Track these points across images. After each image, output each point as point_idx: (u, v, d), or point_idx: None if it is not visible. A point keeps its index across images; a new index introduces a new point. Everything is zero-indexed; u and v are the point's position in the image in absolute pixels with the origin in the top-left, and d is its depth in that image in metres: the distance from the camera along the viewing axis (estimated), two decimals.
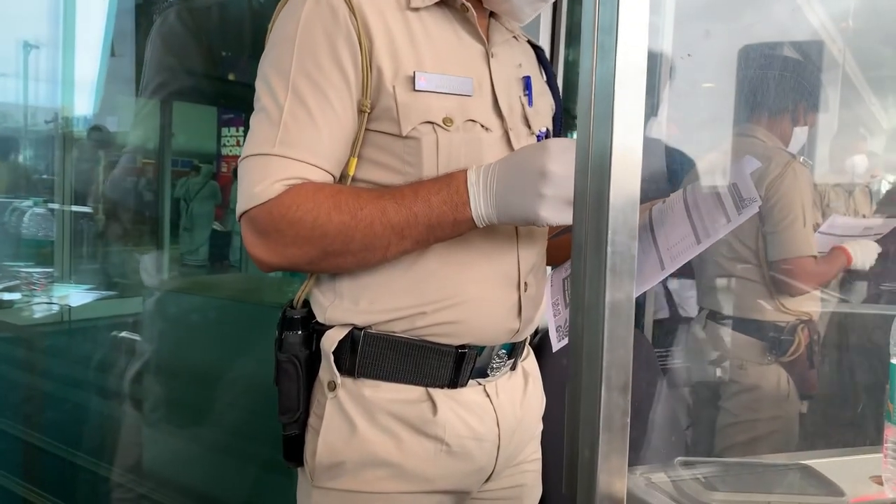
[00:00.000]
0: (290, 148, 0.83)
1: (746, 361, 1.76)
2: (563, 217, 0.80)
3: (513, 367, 0.99)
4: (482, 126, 0.89)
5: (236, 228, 3.21)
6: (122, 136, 2.80)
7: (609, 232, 0.57)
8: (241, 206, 0.85)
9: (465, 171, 0.84)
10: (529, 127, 0.95)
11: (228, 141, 3.85)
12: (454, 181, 0.83)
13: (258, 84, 0.88)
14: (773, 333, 1.71)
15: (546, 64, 1.04)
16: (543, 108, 1.00)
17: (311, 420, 0.92)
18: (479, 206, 0.82)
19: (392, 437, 0.89)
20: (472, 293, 0.89)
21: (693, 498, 0.68)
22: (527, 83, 0.96)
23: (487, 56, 0.92)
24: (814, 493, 0.69)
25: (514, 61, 0.97)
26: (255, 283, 2.73)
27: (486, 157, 0.88)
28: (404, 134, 0.85)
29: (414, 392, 0.90)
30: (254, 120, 0.87)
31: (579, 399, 0.60)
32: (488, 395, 0.94)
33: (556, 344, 0.87)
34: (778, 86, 1.74)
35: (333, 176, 0.87)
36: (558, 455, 1.16)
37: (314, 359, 0.92)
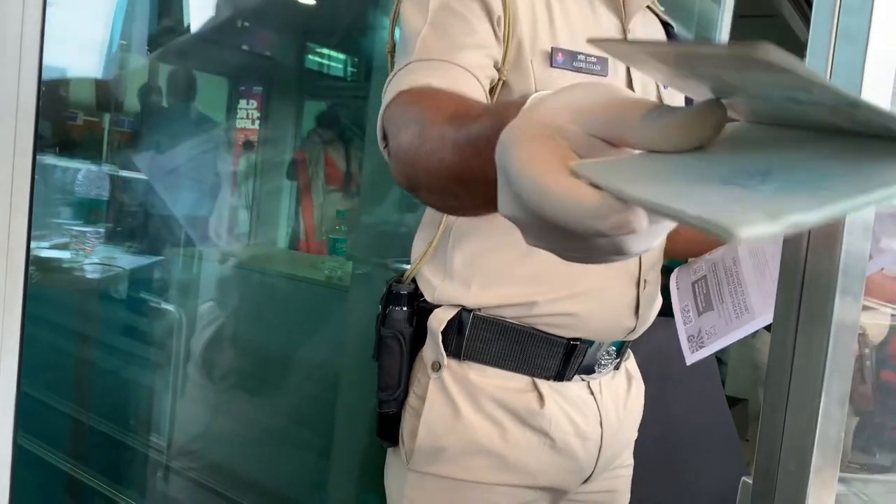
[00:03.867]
0: (430, 52, 0.72)
1: None
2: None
3: (616, 367, 0.95)
4: None
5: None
6: None
7: (844, 233, 0.53)
8: (378, 127, 0.69)
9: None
10: None
11: None
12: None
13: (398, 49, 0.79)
14: None
15: (674, 38, 0.98)
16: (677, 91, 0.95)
17: (411, 399, 0.88)
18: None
19: (496, 426, 0.85)
20: (590, 286, 0.85)
21: None
22: None
23: (624, 32, 0.87)
24: None
25: (650, 38, 0.92)
26: None
27: None
28: None
29: (520, 381, 0.86)
30: (395, 61, 0.77)
31: (783, 410, 0.56)
32: (592, 393, 0.91)
33: (690, 356, 0.81)
34: None
35: (478, 79, 0.73)
36: (647, 462, 1.13)
37: (416, 336, 0.88)
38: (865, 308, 1.72)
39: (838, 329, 0.53)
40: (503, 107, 0.44)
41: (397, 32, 0.82)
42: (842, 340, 0.53)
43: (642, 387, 1.01)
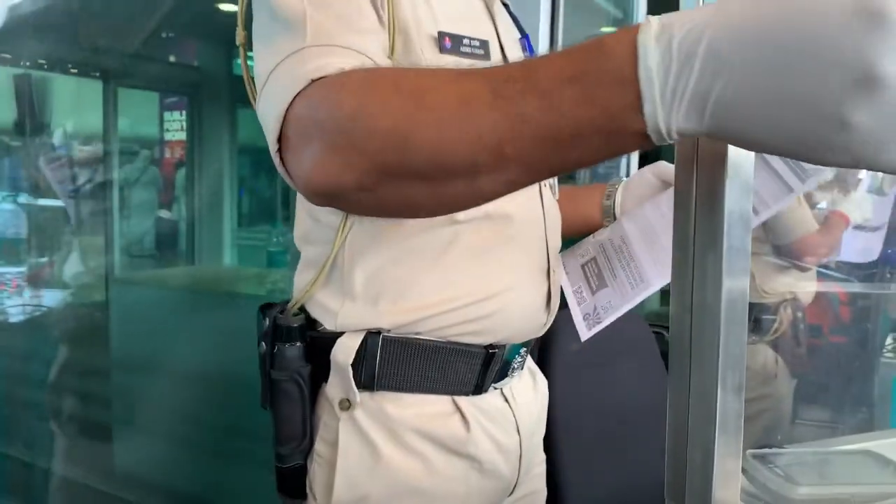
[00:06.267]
0: (327, 37, 0.61)
1: None
2: None
3: (522, 367, 0.89)
4: None
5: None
6: None
7: (725, 227, 0.54)
8: (272, 128, 0.58)
9: (633, 35, 0.42)
10: None
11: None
12: (606, 58, 0.43)
13: (257, 36, 0.67)
14: (756, 313, 1.74)
15: (517, 19, 0.91)
16: None
17: (319, 447, 0.78)
18: (670, 110, 0.42)
19: (421, 460, 0.78)
20: (505, 283, 0.79)
21: (778, 494, 0.66)
22: (527, 45, 0.86)
23: (490, 12, 0.82)
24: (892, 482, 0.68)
25: (508, 18, 0.87)
26: None
27: None
28: None
29: (440, 403, 0.79)
30: (264, 51, 0.64)
31: (687, 400, 0.58)
32: (507, 400, 0.85)
33: (586, 333, 0.82)
34: None
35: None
36: (564, 453, 1.13)
37: (314, 374, 0.78)
38: (799, 270, 1.77)
39: (728, 316, 0.54)
40: (600, 43, 0.44)
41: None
42: (732, 331, 0.55)
43: (545, 380, 0.97)
